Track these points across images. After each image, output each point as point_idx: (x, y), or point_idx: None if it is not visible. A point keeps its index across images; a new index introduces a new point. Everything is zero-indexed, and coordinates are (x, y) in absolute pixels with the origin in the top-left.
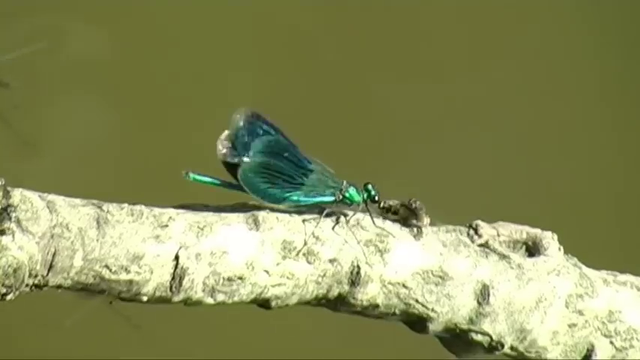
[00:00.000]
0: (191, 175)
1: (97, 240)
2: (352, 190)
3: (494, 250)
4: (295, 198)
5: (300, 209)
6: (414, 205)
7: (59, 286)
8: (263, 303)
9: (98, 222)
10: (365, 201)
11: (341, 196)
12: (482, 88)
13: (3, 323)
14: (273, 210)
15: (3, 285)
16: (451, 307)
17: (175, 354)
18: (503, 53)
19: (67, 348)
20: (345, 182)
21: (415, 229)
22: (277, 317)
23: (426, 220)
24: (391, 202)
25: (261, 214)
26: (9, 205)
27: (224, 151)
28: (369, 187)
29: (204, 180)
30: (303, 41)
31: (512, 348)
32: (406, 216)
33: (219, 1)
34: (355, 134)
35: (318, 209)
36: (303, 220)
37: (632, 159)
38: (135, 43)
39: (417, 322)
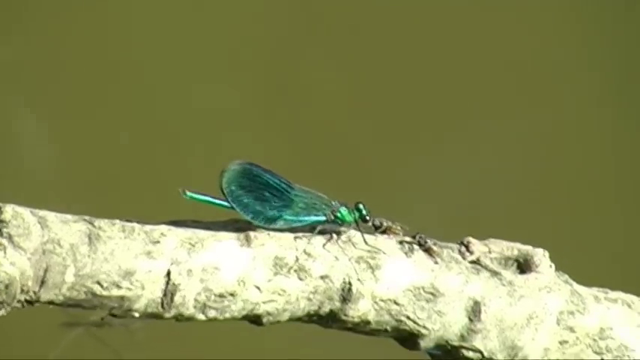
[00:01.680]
0: (188, 193)
1: (89, 256)
2: (343, 210)
3: (486, 267)
4: (287, 217)
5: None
6: (427, 245)
7: (51, 302)
8: (254, 319)
9: (90, 238)
10: (356, 221)
11: (332, 216)
12: (476, 102)
13: None
14: None
15: None
16: (442, 323)
17: None
18: (498, 66)
19: None
20: (336, 202)
21: (406, 246)
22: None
23: (439, 251)
24: (382, 221)
25: (253, 231)
26: (0, 221)
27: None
28: (360, 206)
29: (200, 198)
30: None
31: None
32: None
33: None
34: (345, 150)
35: (310, 227)
36: (295, 237)
37: (624, 176)
38: (127, 57)
39: (408, 338)
